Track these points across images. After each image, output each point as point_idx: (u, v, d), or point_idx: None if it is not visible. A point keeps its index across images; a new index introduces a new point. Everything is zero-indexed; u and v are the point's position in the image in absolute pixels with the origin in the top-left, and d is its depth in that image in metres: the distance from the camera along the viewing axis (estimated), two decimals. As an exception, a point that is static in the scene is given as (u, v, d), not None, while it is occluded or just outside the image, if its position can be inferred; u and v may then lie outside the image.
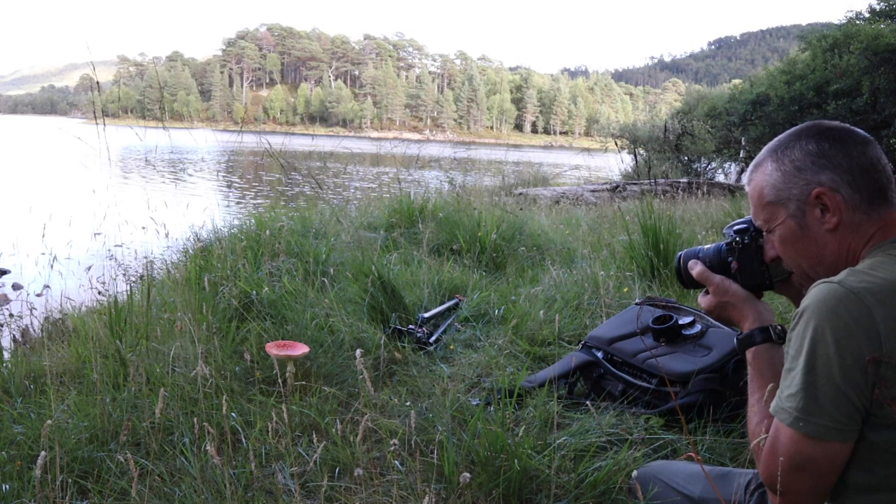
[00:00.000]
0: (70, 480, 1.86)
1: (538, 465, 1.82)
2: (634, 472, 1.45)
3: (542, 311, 3.04)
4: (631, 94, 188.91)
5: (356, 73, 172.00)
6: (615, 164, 17.31)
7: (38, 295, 4.64)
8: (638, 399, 2.25)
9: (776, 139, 1.18)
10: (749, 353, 1.23)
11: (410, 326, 2.98)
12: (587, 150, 22.88)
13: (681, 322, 2.38)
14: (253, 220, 4.62)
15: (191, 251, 4.06)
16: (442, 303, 3.45)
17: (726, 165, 16.84)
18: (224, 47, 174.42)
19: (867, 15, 11.98)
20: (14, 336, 3.74)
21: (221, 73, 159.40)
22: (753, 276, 1.29)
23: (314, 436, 1.96)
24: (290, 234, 4.20)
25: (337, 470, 1.92)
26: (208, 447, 1.64)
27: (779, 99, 12.16)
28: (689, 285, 1.41)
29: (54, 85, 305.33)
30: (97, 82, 3.20)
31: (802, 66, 12.51)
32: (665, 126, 17.02)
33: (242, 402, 2.29)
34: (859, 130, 1.12)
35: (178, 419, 2.13)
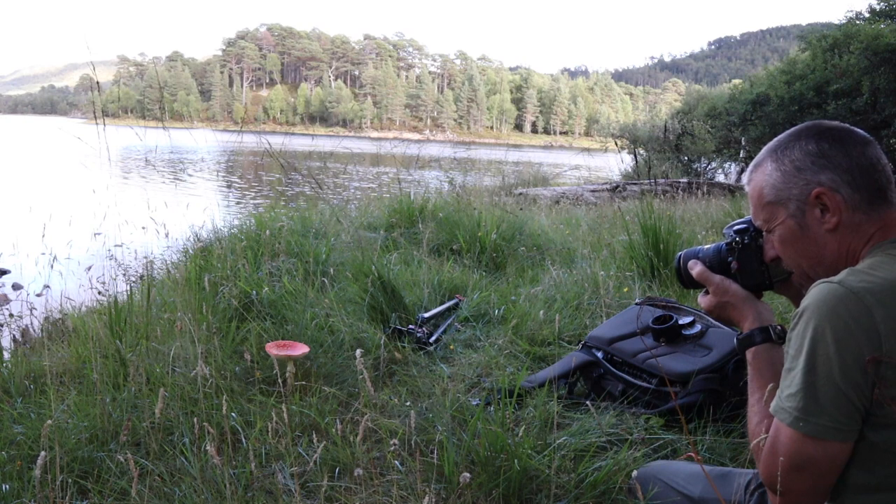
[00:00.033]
0: (70, 480, 1.86)
1: (538, 465, 1.82)
2: (634, 472, 1.45)
3: (542, 311, 3.04)
4: (631, 94, 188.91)
5: (356, 73, 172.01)
6: (615, 164, 17.32)
7: (38, 295, 4.64)
8: (638, 399, 2.25)
9: (776, 139, 1.18)
10: (749, 353, 1.23)
11: (410, 326, 2.98)
12: (587, 150, 22.88)
13: (681, 322, 2.38)
14: (253, 220, 4.62)
15: (191, 251, 4.06)
16: (442, 303, 3.45)
17: (726, 165, 16.84)
18: (224, 47, 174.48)
19: (867, 15, 11.98)
20: (14, 336, 3.74)
21: (221, 73, 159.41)
22: (753, 276, 1.29)
23: (314, 436, 1.96)
24: (290, 234, 4.20)
25: (337, 470, 1.92)
26: (208, 447, 1.64)
27: (779, 99, 12.16)
28: (688, 285, 1.41)
29: (54, 85, 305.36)
30: (97, 82, 3.20)
31: (802, 66, 12.51)
32: (665, 126, 17.02)
33: (242, 402, 2.29)
34: (859, 130, 1.12)
35: (178, 419, 2.13)
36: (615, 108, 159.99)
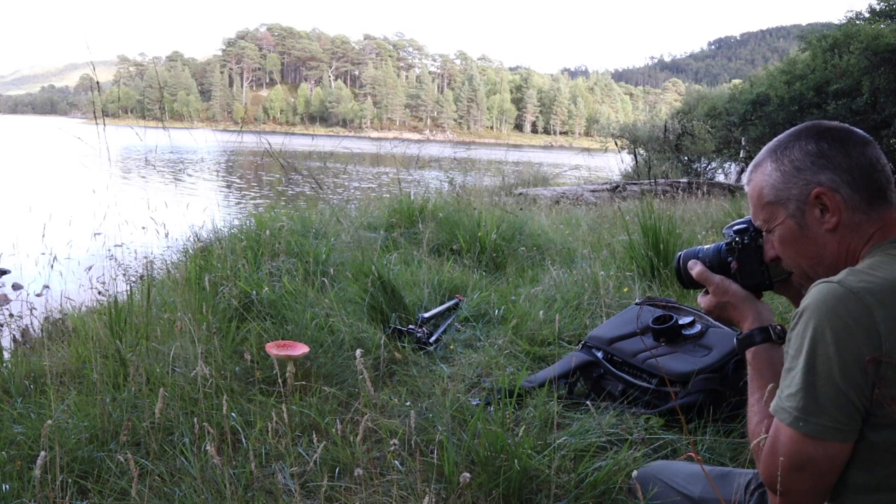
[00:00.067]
0: (70, 480, 1.87)
1: (538, 465, 1.82)
2: (634, 472, 1.45)
3: (542, 311, 3.04)
4: (631, 94, 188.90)
5: (356, 73, 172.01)
6: (615, 164, 17.32)
7: (38, 295, 4.64)
8: (638, 399, 2.25)
9: (776, 139, 1.18)
10: (749, 353, 1.23)
11: (410, 326, 2.98)
12: (587, 150, 22.88)
13: (681, 322, 2.38)
14: (253, 220, 4.62)
15: (191, 251, 4.06)
16: (442, 303, 3.45)
17: (726, 165, 16.84)
18: (224, 47, 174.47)
19: (867, 15, 11.98)
20: (14, 336, 3.74)
21: (221, 73, 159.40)
22: (753, 276, 1.29)
23: (314, 436, 1.96)
24: (290, 234, 4.20)
25: (337, 470, 1.92)
26: (208, 447, 1.64)
27: (779, 99, 12.16)
28: (688, 285, 1.41)
29: (54, 85, 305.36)
30: (97, 82, 3.20)
31: (802, 66, 12.51)
32: (665, 126, 17.02)
33: (242, 402, 2.29)
34: (859, 131, 1.12)
35: (178, 419, 2.13)
36: (615, 108, 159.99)
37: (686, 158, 16.86)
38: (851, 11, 12.29)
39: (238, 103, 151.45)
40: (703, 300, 1.35)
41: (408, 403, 2.34)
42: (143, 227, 4.36)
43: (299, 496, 1.70)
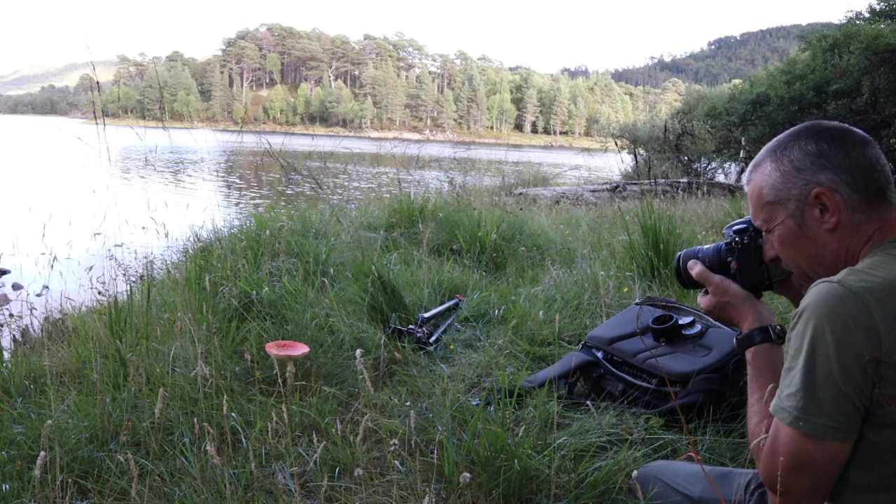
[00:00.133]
0: (70, 480, 1.87)
1: (538, 465, 1.82)
2: (634, 472, 1.45)
3: (542, 311, 3.04)
4: (631, 94, 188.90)
5: (356, 73, 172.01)
6: (615, 164, 17.32)
7: (38, 295, 4.64)
8: (638, 399, 2.25)
9: (775, 139, 1.18)
10: (748, 353, 1.23)
11: (410, 326, 2.98)
12: (587, 150, 22.89)
13: (681, 322, 2.38)
14: (253, 220, 4.62)
15: (191, 251, 4.06)
16: (442, 303, 3.45)
17: (726, 165, 16.84)
18: (224, 47, 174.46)
19: (867, 15, 11.98)
20: (14, 336, 3.74)
21: (221, 73, 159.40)
22: (753, 276, 1.29)
23: (314, 436, 1.96)
24: (290, 234, 4.20)
25: (337, 470, 1.92)
26: (208, 447, 1.64)
27: (779, 99, 12.16)
28: (688, 285, 1.41)
29: (54, 85, 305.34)
30: (97, 82, 3.20)
31: (802, 66, 12.52)
32: (665, 126, 17.02)
33: (242, 402, 2.29)
34: (858, 131, 1.12)
35: (178, 419, 2.13)
36: (615, 108, 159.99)
37: (686, 158, 16.86)
38: (851, 11, 12.32)
39: (238, 103, 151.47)
40: (702, 300, 1.35)
41: (408, 403, 2.34)
42: (143, 227, 4.36)
43: (299, 496, 1.70)
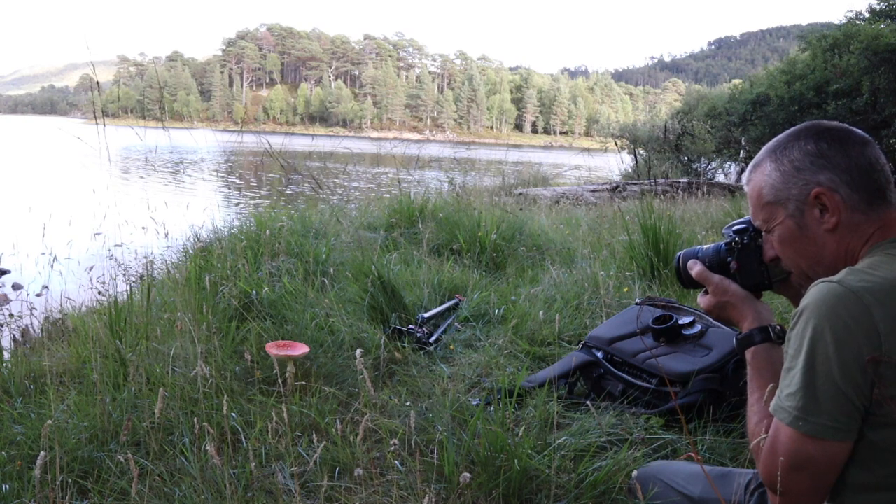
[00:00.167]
0: (70, 480, 1.87)
1: (538, 465, 1.82)
2: (634, 472, 1.45)
3: (542, 311, 3.04)
4: (631, 94, 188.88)
5: (356, 73, 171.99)
6: (615, 164, 17.32)
7: (38, 295, 4.64)
8: (638, 399, 2.25)
9: (775, 139, 1.18)
10: (748, 353, 1.23)
11: (410, 326, 2.98)
12: (587, 150, 22.88)
13: (681, 322, 2.38)
14: (253, 220, 4.62)
15: (191, 251, 4.06)
16: (442, 303, 3.45)
17: (726, 165, 16.84)
18: (224, 47, 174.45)
19: (867, 15, 11.98)
20: (14, 336, 3.74)
21: (221, 73, 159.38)
22: (752, 275, 1.29)
23: (314, 436, 1.96)
24: (290, 234, 4.20)
25: (337, 470, 1.92)
26: (208, 447, 1.64)
27: (779, 99, 12.16)
28: (688, 285, 1.41)
29: (54, 85, 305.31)
30: (97, 82, 3.20)
31: (802, 66, 12.51)
32: (665, 126, 17.02)
33: (242, 402, 2.29)
34: (858, 131, 1.12)
35: (178, 419, 2.13)
36: (615, 108, 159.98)
37: (686, 158, 16.86)
38: (851, 11, 12.31)
39: (238, 103, 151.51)
40: (702, 300, 1.35)
41: (408, 403, 2.34)
42: (143, 227, 4.36)
43: (299, 496, 1.70)
